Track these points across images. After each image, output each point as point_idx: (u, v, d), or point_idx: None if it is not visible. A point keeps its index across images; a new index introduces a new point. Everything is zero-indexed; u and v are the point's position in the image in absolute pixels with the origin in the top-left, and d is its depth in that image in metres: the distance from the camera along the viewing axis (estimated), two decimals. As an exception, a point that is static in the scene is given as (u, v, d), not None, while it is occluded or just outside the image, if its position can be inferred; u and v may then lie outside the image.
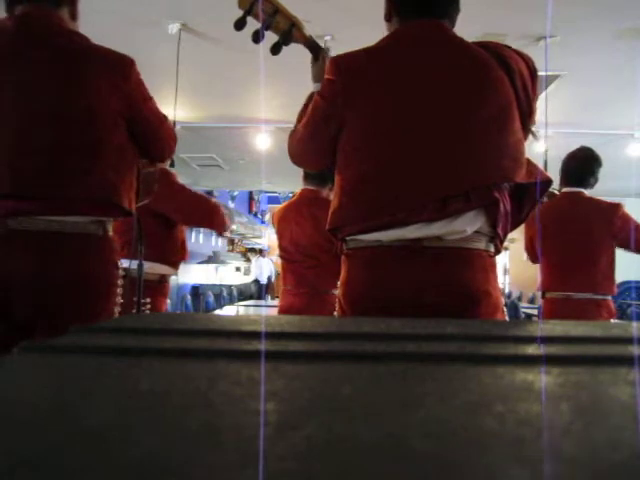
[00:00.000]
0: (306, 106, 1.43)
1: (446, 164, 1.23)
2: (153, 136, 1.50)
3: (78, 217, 1.35)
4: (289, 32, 1.44)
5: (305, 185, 2.76)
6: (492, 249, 1.30)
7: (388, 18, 1.38)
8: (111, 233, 1.44)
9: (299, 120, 1.42)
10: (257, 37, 1.41)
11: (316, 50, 1.50)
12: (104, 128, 1.36)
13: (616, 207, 2.70)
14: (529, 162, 1.32)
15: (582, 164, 2.77)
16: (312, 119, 1.33)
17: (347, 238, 1.31)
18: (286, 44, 1.47)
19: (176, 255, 2.56)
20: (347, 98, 1.27)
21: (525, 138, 1.33)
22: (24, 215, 1.30)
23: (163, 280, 2.54)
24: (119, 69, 1.38)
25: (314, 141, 1.36)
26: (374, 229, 1.25)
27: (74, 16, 1.45)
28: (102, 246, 1.40)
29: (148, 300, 2.15)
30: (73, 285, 1.32)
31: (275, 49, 1.46)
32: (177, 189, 2.46)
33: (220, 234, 2.80)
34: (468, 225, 1.23)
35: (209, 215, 2.55)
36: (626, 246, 2.70)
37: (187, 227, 2.71)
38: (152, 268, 2.30)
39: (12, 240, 1.30)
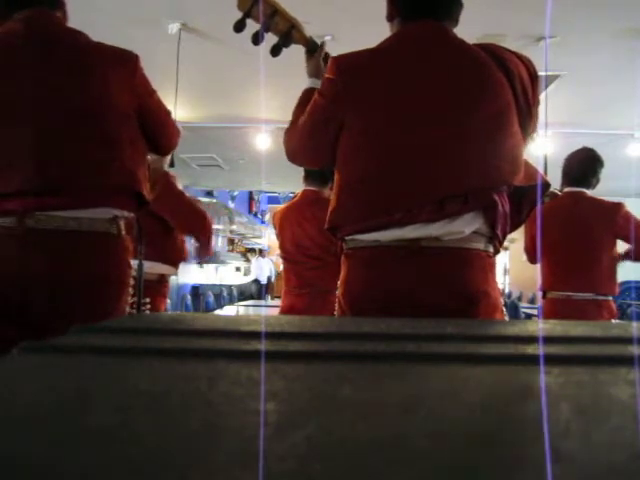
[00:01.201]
0: (301, 102, 1.43)
1: (445, 165, 1.23)
2: (160, 128, 1.53)
3: (97, 210, 1.35)
4: (289, 34, 1.44)
5: (306, 186, 2.76)
6: (491, 249, 1.30)
7: (390, 19, 1.38)
8: (124, 232, 1.45)
9: (295, 117, 1.41)
10: (257, 39, 1.41)
11: (315, 51, 1.50)
12: (118, 121, 1.38)
13: (618, 206, 2.70)
14: (527, 164, 1.32)
15: (584, 164, 2.77)
16: (311, 117, 1.33)
17: (346, 238, 1.31)
18: (286, 46, 1.47)
19: (176, 254, 2.56)
20: (348, 98, 1.27)
21: (525, 142, 1.33)
22: (43, 211, 1.31)
23: (162, 280, 2.53)
24: (126, 64, 1.40)
25: (313, 139, 1.36)
26: (373, 229, 1.25)
27: (65, 19, 1.47)
28: (116, 245, 1.41)
29: (147, 300, 2.14)
30: (88, 285, 1.33)
31: (275, 51, 1.46)
32: (176, 193, 2.47)
33: (204, 252, 2.69)
34: (466, 226, 1.23)
35: (202, 230, 2.57)
36: (627, 242, 2.71)
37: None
38: (151, 268, 2.30)
39: (28, 239, 1.30)
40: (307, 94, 1.44)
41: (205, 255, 2.69)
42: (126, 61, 1.41)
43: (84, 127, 1.34)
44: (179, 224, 2.54)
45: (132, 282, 1.48)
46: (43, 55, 1.34)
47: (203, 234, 2.61)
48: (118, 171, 1.36)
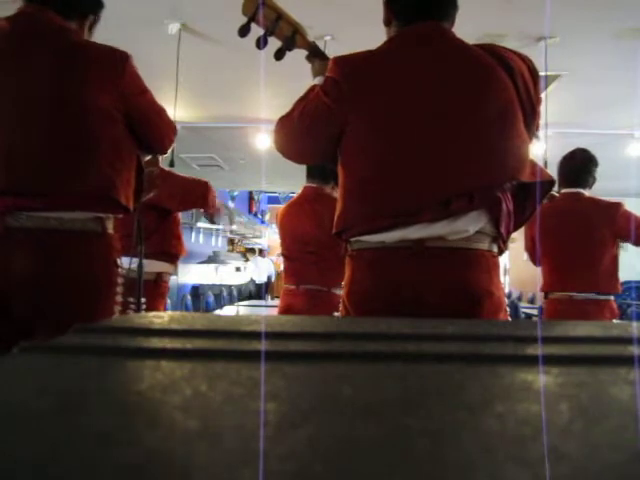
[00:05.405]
0: (301, 98, 1.42)
1: (450, 165, 1.23)
2: (152, 128, 1.50)
3: (77, 213, 1.34)
4: (292, 38, 1.45)
5: (308, 182, 2.76)
6: (495, 249, 1.30)
7: (387, 23, 1.38)
8: (111, 231, 1.43)
9: (292, 109, 1.39)
10: (260, 43, 1.41)
11: (319, 55, 1.50)
12: (99, 124, 1.35)
13: (617, 205, 2.71)
14: (532, 163, 1.32)
15: (579, 165, 2.79)
16: (312, 114, 1.32)
17: (351, 239, 1.31)
18: (289, 49, 1.47)
19: (171, 249, 2.53)
20: (351, 100, 1.27)
21: (530, 141, 1.33)
22: (22, 211, 1.30)
23: (159, 279, 2.50)
24: (113, 64, 1.38)
25: (311, 136, 1.35)
26: (378, 230, 1.25)
27: (81, 28, 1.46)
28: (101, 244, 1.39)
29: (143, 301, 2.11)
30: (72, 283, 1.32)
31: (278, 55, 1.47)
32: (166, 174, 2.46)
33: (211, 214, 2.83)
34: (471, 225, 1.23)
35: (204, 195, 2.59)
36: (628, 242, 2.72)
37: (181, 212, 2.71)
38: (147, 266, 2.27)
39: (10, 238, 1.29)
40: (311, 90, 1.43)
41: (213, 213, 2.72)
42: (113, 61, 1.38)
43: (61, 129, 1.32)
44: (178, 204, 2.54)
45: (121, 281, 1.45)
46: (25, 54, 1.32)
47: (207, 204, 2.62)
48: (95, 178, 1.34)
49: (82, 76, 1.34)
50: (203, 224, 8.60)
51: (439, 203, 1.21)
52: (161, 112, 1.54)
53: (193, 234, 8.58)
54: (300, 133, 1.35)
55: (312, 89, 1.42)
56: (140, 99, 1.45)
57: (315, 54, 1.49)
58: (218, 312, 5.46)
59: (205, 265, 9.27)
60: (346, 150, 1.30)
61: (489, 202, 1.24)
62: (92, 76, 1.35)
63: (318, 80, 1.45)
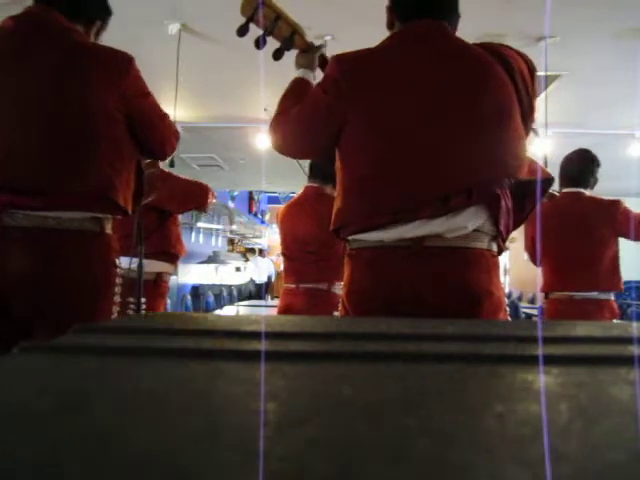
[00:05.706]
0: (291, 91, 1.42)
1: (448, 161, 1.23)
2: (154, 131, 1.49)
3: (75, 212, 1.34)
4: (290, 38, 1.45)
5: (309, 182, 2.77)
6: (495, 248, 1.30)
7: (390, 26, 1.39)
8: (109, 231, 1.42)
9: (284, 106, 1.39)
10: (259, 43, 1.42)
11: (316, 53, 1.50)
12: (100, 124, 1.35)
13: (617, 203, 2.71)
14: (531, 160, 1.33)
15: (580, 166, 2.79)
16: (312, 112, 1.32)
17: (350, 238, 1.31)
18: (288, 50, 1.48)
19: (171, 249, 2.54)
20: (349, 97, 1.27)
21: (527, 136, 1.33)
22: (20, 210, 1.29)
23: (159, 279, 2.51)
24: (116, 66, 1.38)
25: (310, 133, 1.35)
26: (376, 227, 1.25)
27: (87, 33, 1.46)
28: (99, 244, 1.38)
29: (143, 301, 2.10)
30: (70, 283, 1.31)
31: (277, 55, 1.47)
32: (166, 176, 2.47)
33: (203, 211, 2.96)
34: (469, 221, 1.23)
35: (203, 197, 2.64)
36: (627, 238, 2.73)
37: (181, 213, 2.74)
38: (147, 266, 2.27)
39: (7, 237, 1.29)
40: (297, 84, 1.44)
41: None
42: (116, 63, 1.38)
43: (61, 129, 1.32)
44: (179, 206, 2.56)
45: (119, 281, 1.44)
46: (29, 53, 1.33)
47: (205, 205, 2.69)
48: (94, 178, 1.34)
49: (84, 76, 1.34)
50: (203, 224, 8.60)
51: (438, 199, 1.21)
52: (163, 116, 1.54)
53: (193, 234, 8.58)
54: (300, 132, 1.36)
55: (296, 82, 1.43)
56: (142, 101, 1.45)
57: (313, 53, 1.50)
58: (218, 312, 5.46)
59: (205, 265, 9.27)
60: (345, 147, 1.31)
61: (487, 198, 1.24)
62: (95, 76, 1.35)
63: (301, 72, 1.46)
